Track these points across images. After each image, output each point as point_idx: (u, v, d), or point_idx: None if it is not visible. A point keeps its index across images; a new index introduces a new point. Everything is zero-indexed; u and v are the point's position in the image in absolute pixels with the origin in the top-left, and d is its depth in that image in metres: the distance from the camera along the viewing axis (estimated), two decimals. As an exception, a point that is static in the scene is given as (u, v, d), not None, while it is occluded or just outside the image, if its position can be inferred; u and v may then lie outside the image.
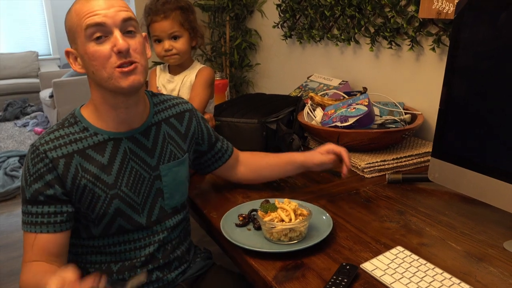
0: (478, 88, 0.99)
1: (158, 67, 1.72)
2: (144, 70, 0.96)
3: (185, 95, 1.56)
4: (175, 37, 1.50)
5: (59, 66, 6.47)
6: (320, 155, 1.19)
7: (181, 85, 1.56)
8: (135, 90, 0.95)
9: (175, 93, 1.58)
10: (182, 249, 1.13)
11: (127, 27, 0.93)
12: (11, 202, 3.13)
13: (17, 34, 6.40)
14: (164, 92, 1.59)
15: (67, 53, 0.97)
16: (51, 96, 4.64)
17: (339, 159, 1.18)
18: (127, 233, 1.03)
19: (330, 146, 1.19)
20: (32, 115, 5.23)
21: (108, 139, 0.99)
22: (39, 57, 6.32)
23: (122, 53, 0.91)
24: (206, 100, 1.54)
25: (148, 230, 1.05)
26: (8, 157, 3.71)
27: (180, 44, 1.51)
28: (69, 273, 0.74)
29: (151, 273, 1.06)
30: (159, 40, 1.52)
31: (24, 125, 4.97)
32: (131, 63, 0.92)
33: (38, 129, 4.69)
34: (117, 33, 0.91)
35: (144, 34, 1.00)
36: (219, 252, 1.15)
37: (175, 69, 1.62)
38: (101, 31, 0.90)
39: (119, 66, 0.91)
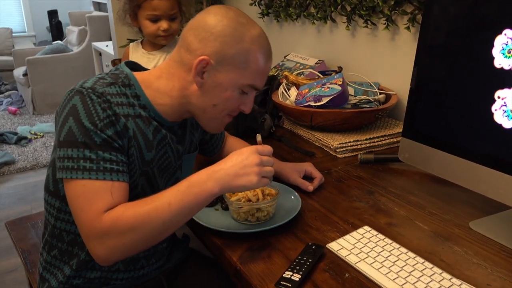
0: (448, 68, 0.98)
1: (131, 45, 1.66)
2: None
3: None
4: (173, 18, 1.47)
5: (34, 44, 6.27)
6: (296, 176, 1.14)
7: (164, 60, 1.49)
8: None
9: None
10: (164, 244, 1.06)
11: None
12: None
13: (-11, 10, 6.17)
14: None
15: (205, 61, 0.86)
16: (25, 74, 4.50)
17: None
18: None
19: (309, 168, 1.17)
20: (6, 93, 5.07)
21: (153, 117, 0.92)
22: (13, 34, 6.11)
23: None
24: None
25: None
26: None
27: (176, 25, 1.48)
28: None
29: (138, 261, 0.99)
30: (155, 20, 1.46)
31: (-3, 104, 4.83)
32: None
33: (12, 108, 4.56)
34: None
35: None
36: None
37: (151, 44, 1.57)
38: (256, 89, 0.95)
39: (230, 114, 0.95)
